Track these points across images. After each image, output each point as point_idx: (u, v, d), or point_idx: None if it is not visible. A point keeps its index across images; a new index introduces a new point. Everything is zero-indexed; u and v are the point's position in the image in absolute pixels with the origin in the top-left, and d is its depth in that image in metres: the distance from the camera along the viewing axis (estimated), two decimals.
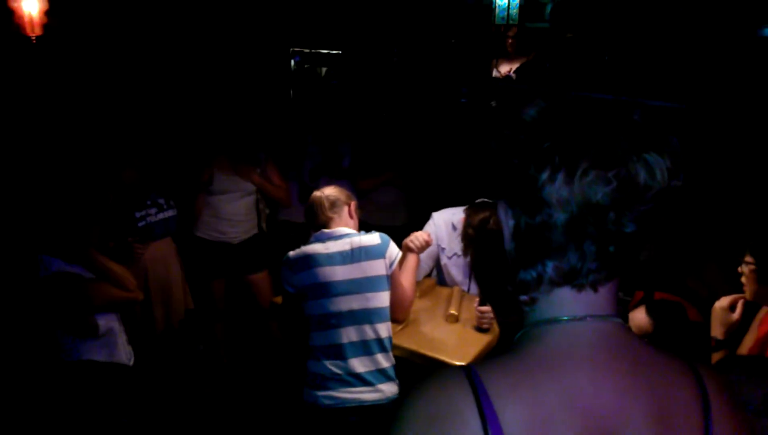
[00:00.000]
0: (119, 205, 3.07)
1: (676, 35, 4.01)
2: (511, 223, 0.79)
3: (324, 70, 6.04)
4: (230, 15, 5.55)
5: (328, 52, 6.02)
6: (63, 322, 2.27)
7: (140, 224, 3.14)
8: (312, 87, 5.76)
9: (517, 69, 5.40)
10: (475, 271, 1.82)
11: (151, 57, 5.11)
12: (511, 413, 0.71)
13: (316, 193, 2.51)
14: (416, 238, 2.65)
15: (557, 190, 0.71)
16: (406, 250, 2.62)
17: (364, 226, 4.14)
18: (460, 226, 2.95)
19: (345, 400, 2.30)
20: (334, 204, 2.46)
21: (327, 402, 2.30)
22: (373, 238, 2.45)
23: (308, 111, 4.47)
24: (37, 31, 4.60)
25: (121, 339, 2.47)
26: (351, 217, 2.54)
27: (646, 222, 0.73)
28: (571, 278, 0.75)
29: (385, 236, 2.49)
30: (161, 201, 3.25)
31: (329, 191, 2.51)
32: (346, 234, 2.44)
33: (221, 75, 5.33)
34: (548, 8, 5.50)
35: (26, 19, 4.58)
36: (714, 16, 3.95)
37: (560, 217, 0.72)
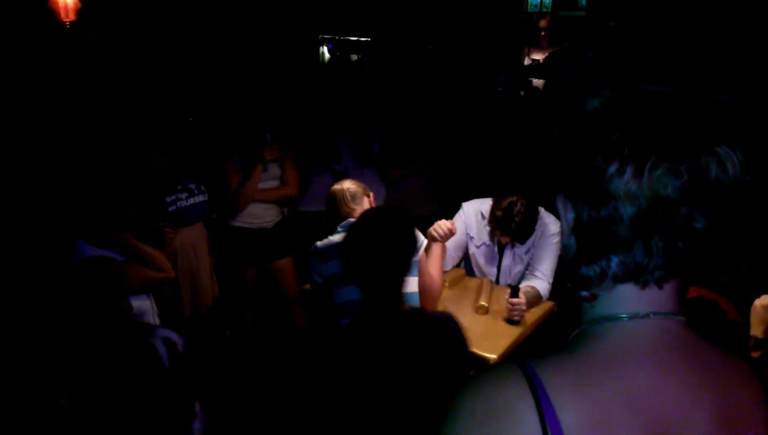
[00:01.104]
0: (150, 189, 3.08)
1: (720, 25, 3.89)
2: (571, 216, 0.77)
3: (356, 57, 5.98)
4: (260, 1, 5.55)
5: (357, 39, 5.98)
6: (97, 306, 2.29)
7: (170, 209, 3.15)
8: (344, 75, 5.71)
9: (547, 57, 5.30)
10: (341, 257, 1.80)
11: (184, 44, 5.13)
12: (570, 412, 0.69)
13: (337, 187, 2.56)
14: (439, 226, 2.65)
15: (626, 183, 0.68)
16: (430, 239, 2.62)
17: None
18: (488, 215, 2.96)
19: None
20: (354, 196, 2.52)
21: None
22: None
23: (341, 99, 4.42)
24: (72, 17, 4.65)
25: (153, 318, 2.49)
26: (371, 207, 2.55)
27: (716, 217, 0.70)
28: (637, 275, 0.73)
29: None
30: (192, 186, 3.26)
31: (348, 184, 2.57)
32: None
33: (250, 62, 5.34)
34: None
35: (61, 4, 4.63)
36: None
37: (628, 211, 0.69)
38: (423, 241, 2.50)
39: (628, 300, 0.75)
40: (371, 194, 2.61)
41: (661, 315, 0.75)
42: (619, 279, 0.73)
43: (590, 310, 0.78)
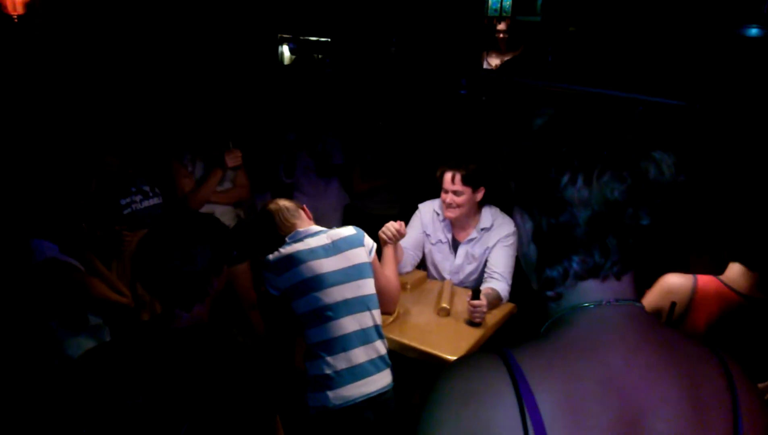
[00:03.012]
0: (103, 192, 2.98)
1: (672, 30, 4.00)
2: (529, 225, 0.84)
3: (319, 57, 5.92)
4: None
5: (317, 40, 5.92)
6: (56, 310, 2.20)
7: (125, 212, 3.06)
8: (307, 75, 5.64)
9: (504, 63, 5.36)
10: (133, 264, 1.62)
11: (136, 42, 4.99)
12: (546, 391, 0.73)
13: (272, 206, 2.48)
14: (387, 229, 2.68)
15: (578, 190, 0.76)
16: (381, 241, 2.63)
17: (359, 213, 4.14)
18: (442, 212, 3.08)
19: (354, 397, 2.25)
20: (293, 212, 2.46)
21: (336, 402, 2.24)
22: (348, 229, 2.47)
23: (297, 103, 4.34)
24: (19, 10, 4.47)
25: (106, 335, 2.41)
26: (310, 218, 2.53)
27: (659, 214, 0.78)
28: (596, 271, 0.80)
29: (358, 227, 2.51)
30: (146, 188, 3.17)
31: (282, 202, 2.50)
32: (320, 230, 2.44)
33: (206, 62, 5.23)
34: (539, 1, 5.47)
35: None
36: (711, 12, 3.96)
37: (582, 215, 0.77)
38: (373, 244, 2.50)
39: (591, 292, 0.82)
40: (305, 206, 2.57)
41: (623, 301, 0.82)
42: (581, 277, 0.80)
43: (557, 307, 0.84)
